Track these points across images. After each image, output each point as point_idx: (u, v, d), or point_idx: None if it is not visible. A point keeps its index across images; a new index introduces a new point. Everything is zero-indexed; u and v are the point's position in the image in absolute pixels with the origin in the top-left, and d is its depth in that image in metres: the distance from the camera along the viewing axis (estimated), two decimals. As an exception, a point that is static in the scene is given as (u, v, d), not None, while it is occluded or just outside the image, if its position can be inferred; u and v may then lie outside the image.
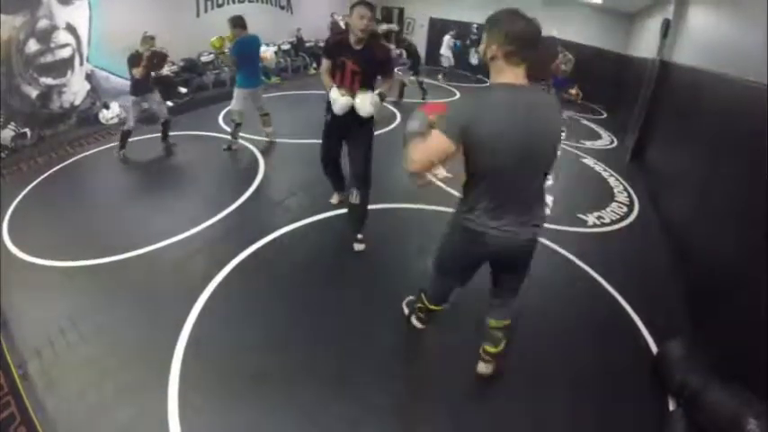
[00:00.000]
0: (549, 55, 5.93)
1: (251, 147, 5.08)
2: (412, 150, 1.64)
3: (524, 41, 1.49)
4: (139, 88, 4.53)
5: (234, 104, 4.67)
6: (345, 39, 2.74)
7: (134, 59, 4.35)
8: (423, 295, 2.27)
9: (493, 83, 1.58)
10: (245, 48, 4.43)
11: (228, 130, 5.11)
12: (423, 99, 7.70)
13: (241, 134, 4.96)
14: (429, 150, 1.60)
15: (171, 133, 5.01)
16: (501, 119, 1.50)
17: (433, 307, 2.24)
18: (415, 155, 1.62)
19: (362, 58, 2.72)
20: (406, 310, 2.58)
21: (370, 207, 3.26)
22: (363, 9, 2.58)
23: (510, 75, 1.53)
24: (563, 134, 1.62)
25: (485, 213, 1.71)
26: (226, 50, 4.57)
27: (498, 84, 1.55)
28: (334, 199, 3.85)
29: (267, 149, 5.04)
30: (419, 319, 2.44)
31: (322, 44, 11.85)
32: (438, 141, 1.56)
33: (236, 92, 4.63)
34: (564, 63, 7.36)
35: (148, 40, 4.39)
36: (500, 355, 2.16)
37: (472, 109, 1.54)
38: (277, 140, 5.26)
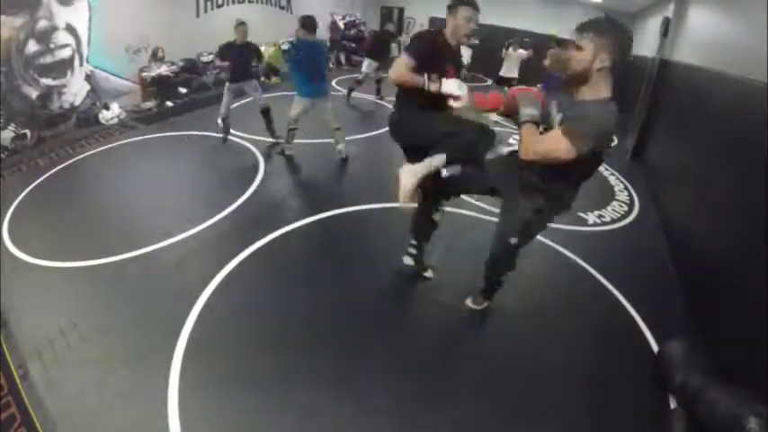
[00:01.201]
0: None
1: (251, 147, 5.08)
2: (535, 142, 1.70)
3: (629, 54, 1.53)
4: (236, 76, 4.70)
5: (291, 109, 4.60)
6: (444, 41, 2.30)
7: (225, 49, 4.64)
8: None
9: (605, 97, 1.60)
10: (299, 51, 4.32)
11: (230, 130, 5.11)
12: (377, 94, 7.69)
13: (240, 134, 4.97)
14: (548, 152, 1.66)
15: (171, 134, 5.01)
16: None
17: None
18: (539, 149, 1.68)
19: (458, 64, 2.45)
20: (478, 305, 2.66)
21: (368, 207, 3.24)
22: (471, 11, 2.25)
23: (608, 88, 1.58)
24: None
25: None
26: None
27: (610, 99, 1.58)
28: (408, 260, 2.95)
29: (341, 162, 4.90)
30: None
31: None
32: (563, 149, 1.60)
33: (295, 98, 4.58)
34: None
35: (241, 26, 4.62)
36: None
37: (610, 128, 1.59)
38: (276, 140, 5.26)
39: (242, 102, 6.78)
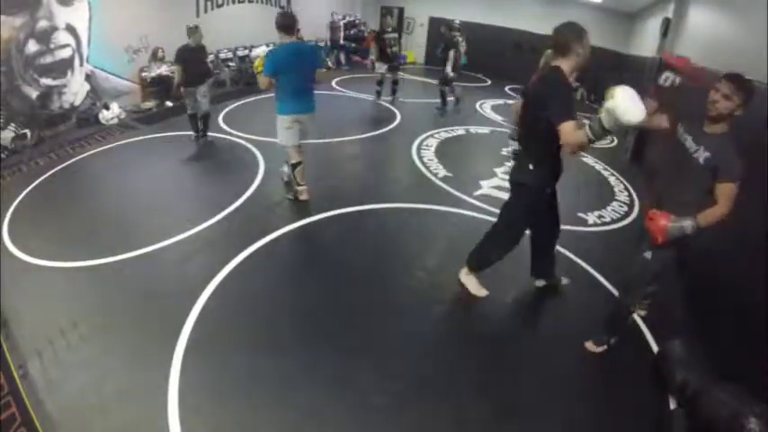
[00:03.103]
0: None
1: (251, 147, 5.08)
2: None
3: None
4: (192, 79, 4.78)
5: (278, 138, 3.70)
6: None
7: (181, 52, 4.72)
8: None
9: (730, 134, 1.89)
10: (279, 58, 3.38)
11: (229, 130, 5.11)
12: (393, 96, 7.64)
13: (240, 134, 4.97)
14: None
15: (171, 134, 5.01)
16: None
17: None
18: (724, 213, 1.96)
19: None
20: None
21: (368, 207, 3.24)
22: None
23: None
24: None
25: None
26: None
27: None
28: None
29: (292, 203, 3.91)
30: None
31: (322, 44, 11.71)
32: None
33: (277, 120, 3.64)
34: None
35: (194, 29, 4.73)
36: None
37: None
38: (276, 140, 5.26)
39: (242, 102, 6.80)
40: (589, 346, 2.43)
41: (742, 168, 1.85)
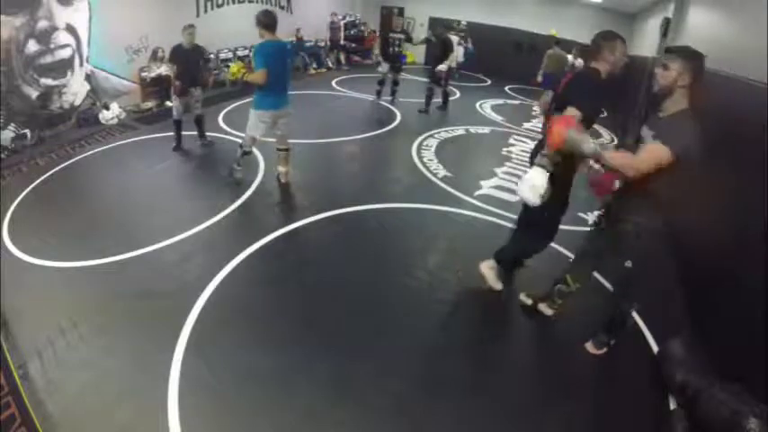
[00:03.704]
0: None
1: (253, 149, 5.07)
2: (626, 164, 1.87)
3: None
4: (184, 80, 4.66)
5: (248, 128, 3.88)
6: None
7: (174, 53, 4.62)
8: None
9: (686, 109, 1.87)
10: (268, 53, 3.51)
11: (229, 130, 5.11)
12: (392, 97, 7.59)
13: (240, 134, 4.94)
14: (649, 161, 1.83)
15: (171, 134, 5.00)
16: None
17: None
18: (635, 165, 1.85)
19: None
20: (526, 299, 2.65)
21: (369, 207, 3.25)
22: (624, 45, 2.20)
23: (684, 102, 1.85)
24: None
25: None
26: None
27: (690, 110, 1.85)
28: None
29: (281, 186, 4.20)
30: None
31: (322, 44, 11.72)
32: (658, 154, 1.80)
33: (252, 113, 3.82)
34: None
35: (188, 29, 4.54)
36: None
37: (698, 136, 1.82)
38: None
39: (241, 102, 6.80)
40: (589, 347, 2.43)
41: (682, 143, 1.78)
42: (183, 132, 4.94)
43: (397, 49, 7.21)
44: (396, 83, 7.43)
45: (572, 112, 2.02)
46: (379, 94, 7.57)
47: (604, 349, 2.41)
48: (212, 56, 7.58)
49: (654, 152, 1.81)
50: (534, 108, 8.12)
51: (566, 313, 2.77)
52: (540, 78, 7.91)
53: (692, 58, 1.86)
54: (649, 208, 2.03)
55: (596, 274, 3.15)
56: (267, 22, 3.51)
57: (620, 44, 2.20)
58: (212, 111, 6.37)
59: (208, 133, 5.22)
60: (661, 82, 1.88)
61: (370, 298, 2.75)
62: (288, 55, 3.74)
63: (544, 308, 2.63)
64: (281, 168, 4.20)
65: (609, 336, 2.39)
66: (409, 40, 7.36)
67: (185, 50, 4.55)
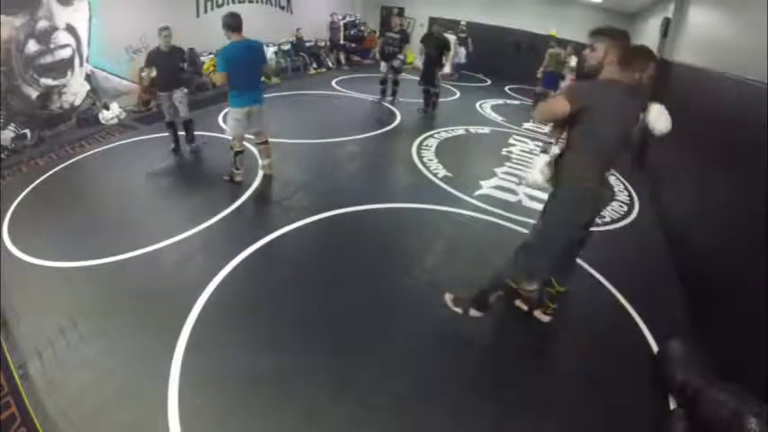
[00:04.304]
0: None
1: (251, 147, 5.07)
2: (540, 108, 2.10)
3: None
4: (163, 84, 4.60)
5: (227, 129, 4.04)
6: None
7: (152, 55, 4.54)
8: (509, 281, 2.39)
9: (612, 79, 1.98)
10: (229, 55, 3.60)
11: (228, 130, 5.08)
12: (393, 97, 7.53)
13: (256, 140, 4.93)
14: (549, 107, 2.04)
15: (168, 134, 4.99)
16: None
17: (525, 289, 2.45)
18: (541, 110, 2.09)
19: None
20: (458, 309, 2.55)
21: (369, 207, 3.25)
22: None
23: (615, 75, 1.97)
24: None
25: (596, 179, 2.08)
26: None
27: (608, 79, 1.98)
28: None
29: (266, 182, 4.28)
30: (486, 307, 2.50)
31: (322, 44, 11.69)
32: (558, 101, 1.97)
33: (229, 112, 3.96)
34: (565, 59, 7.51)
35: (163, 31, 4.47)
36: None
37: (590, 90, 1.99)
38: (277, 141, 5.25)
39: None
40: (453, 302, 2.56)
41: (575, 90, 2.02)
42: (180, 132, 4.91)
43: (394, 49, 7.12)
44: (395, 83, 7.40)
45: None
46: (383, 93, 7.54)
47: (460, 310, 2.53)
48: (211, 55, 7.56)
49: (551, 100, 2.08)
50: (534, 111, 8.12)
51: (564, 313, 2.78)
52: (539, 75, 7.94)
53: (616, 36, 1.99)
54: (568, 176, 2.14)
55: (595, 273, 3.16)
56: (231, 23, 3.61)
57: (651, 65, 2.41)
58: (213, 110, 6.38)
59: (206, 133, 5.21)
60: (590, 62, 2.03)
61: (370, 298, 2.75)
62: (256, 53, 3.79)
63: (540, 315, 2.62)
64: (264, 161, 4.33)
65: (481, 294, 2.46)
66: (406, 39, 7.27)
67: (163, 53, 4.45)
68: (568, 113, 1.93)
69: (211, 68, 3.93)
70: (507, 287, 2.48)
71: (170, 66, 4.46)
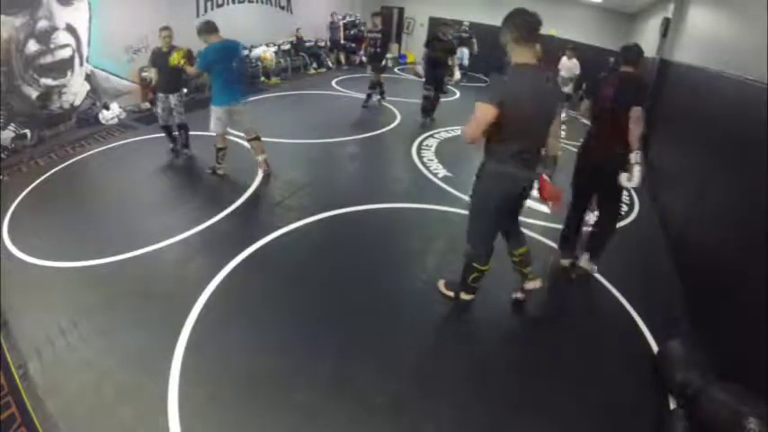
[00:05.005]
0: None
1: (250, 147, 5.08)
2: (467, 129, 2.12)
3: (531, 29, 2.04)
4: (163, 85, 4.64)
5: (210, 127, 4.16)
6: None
7: (153, 56, 4.62)
8: (474, 264, 2.51)
9: (513, 64, 2.09)
10: (209, 56, 3.82)
11: (228, 130, 5.08)
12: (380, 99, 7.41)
13: (239, 134, 4.94)
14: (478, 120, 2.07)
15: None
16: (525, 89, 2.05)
17: (484, 268, 2.53)
18: (471, 129, 2.10)
19: None
20: (450, 293, 2.75)
21: (371, 206, 3.25)
22: None
23: (525, 56, 2.07)
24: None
25: (515, 161, 2.18)
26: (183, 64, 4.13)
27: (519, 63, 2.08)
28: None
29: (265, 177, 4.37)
30: (471, 290, 2.66)
31: (322, 44, 11.60)
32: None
33: (211, 110, 4.10)
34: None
35: (163, 32, 4.49)
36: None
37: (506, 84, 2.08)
38: (277, 141, 5.26)
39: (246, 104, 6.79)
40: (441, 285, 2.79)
41: (492, 93, 2.05)
42: (190, 133, 4.90)
43: (377, 49, 6.93)
44: (379, 84, 7.16)
45: (638, 112, 2.55)
46: (380, 96, 7.33)
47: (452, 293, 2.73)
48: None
49: (475, 113, 2.07)
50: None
51: (564, 313, 2.78)
52: None
53: (509, 17, 2.08)
54: (487, 153, 2.29)
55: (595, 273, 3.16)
56: (207, 28, 3.87)
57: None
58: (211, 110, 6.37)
59: (205, 133, 5.20)
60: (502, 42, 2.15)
61: (370, 297, 2.75)
62: (235, 53, 3.99)
63: (531, 285, 2.72)
64: (258, 158, 4.41)
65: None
66: (388, 38, 7.13)
67: (164, 54, 4.41)
68: (497, 114, 2.01)
69: (182, 61, 4.11)
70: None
71: (169, 67, 4.41)
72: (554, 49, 7.95)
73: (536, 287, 2.71)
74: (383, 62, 7.09)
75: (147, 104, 6.54)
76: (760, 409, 1.74)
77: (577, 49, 7.77)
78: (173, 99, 4.61)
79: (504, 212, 2.39)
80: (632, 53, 2.79)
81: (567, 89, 7.64)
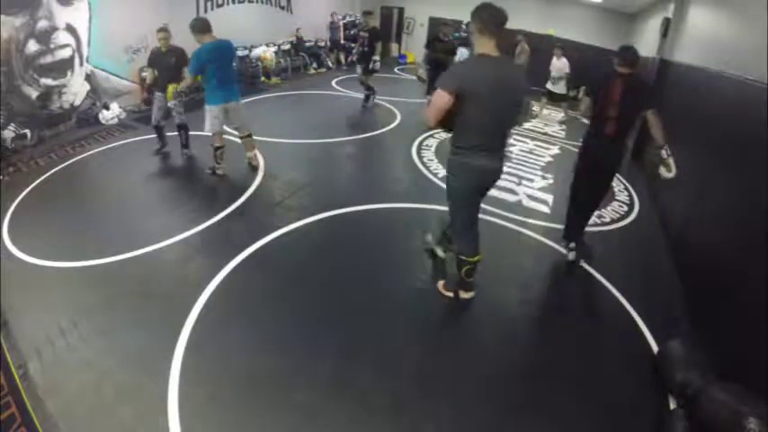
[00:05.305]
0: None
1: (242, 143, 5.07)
2: (425, 113, 2.22)
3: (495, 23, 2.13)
4: (163, 85, 4.58)
5: (206, 126, 4.15)
6: None
7: (152, 56, 4.58)
8: (462, 257, 2.56)
9: (477, 54, 2.18)
10: (202, 56, 3.83)
11: (228, 130, 5.08)
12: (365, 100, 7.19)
13: (234, 133, 4.94)
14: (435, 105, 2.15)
15: (170, 134, 4.99)
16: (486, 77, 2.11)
17: (474, 259, 2.55)
18: (428, 113, 2.18)
19: None
20: (449, 293, 2.77)
21: (371, 206, 3.25)
22: None
23: (488, 47, 2.15)
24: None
25: (478, 151, 2.25)
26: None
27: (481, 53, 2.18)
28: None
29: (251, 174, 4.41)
30: (468, 286, 2.69)
31: (322, 44, 11.56)
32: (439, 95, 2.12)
33: (206, 109, 4.11)
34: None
35: (160, 32, 4.44)
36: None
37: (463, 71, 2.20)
38: (277, 141, 5.26)
39: (241, 102, 6.79)
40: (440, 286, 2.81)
41: (445, 80, 2.13)
42: (172, 133, 4.84)
43: (365, 48, 6.77)
44: (364, 84, 7.03)
45: (655, 112, 2.75)
46: (366, 99, 7.18)
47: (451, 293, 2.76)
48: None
49: (432, 99, 2.16)
50: (534, 108, 8.12)
51: (564, 313, 2.78)
52: None
53: (476, 10, 2.15)
54: (453, 144, 2.35)
55: (596, 273, 3.17)
56: (202, 27, 3.86)
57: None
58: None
59: (202, 133, 5.18)
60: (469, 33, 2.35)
61: (370, 297, 2.75)
62: (229, 53, 4.07)
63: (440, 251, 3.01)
64: (249, 154, 4.50)
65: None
66: (377, 38, 6.79)
67: (161, 53, 4.41)
68: (454, 102, 2.09)
69: (176, 87, 4.22)
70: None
71: (167, 66, 4.43)
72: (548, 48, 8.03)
73: (468, 297, 2.74)
74: (370, 63, 6.78)
75: (143, 104, 6.52)
76: (760, 409, 1.74)
77: (567, 48, 7.89)
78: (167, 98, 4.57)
79: (476, 200, 2.49)
80: (630, 54, 2.85)
81: (558, 88, 7.70)
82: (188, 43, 6.63)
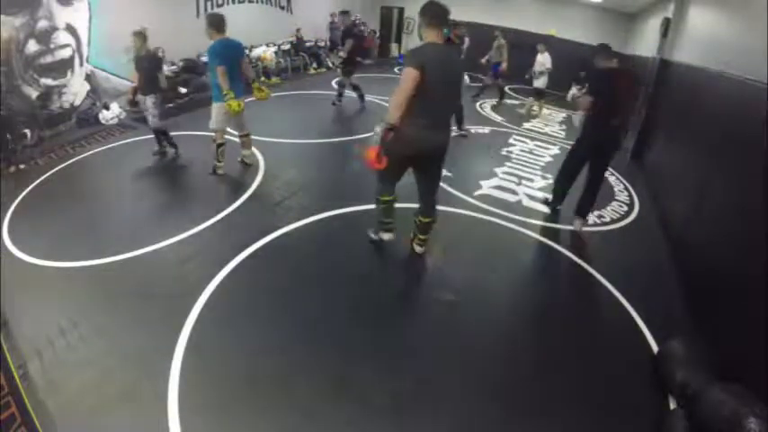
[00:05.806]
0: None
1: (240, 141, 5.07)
2: (393, 98, 2.50)
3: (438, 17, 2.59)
4: (143, 88, 4.58)
5: (212, 122, 4.20)
6: None
7: (135, 59, 4.52)
8: (379, 197, 2.98)
9: (428, 42, 2.57)
10: (220, 51, 3.87)
11: (228, 130, 5.08)
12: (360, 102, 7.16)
13: (234, 132, 4.95)
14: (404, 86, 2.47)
15: (170, 134, 4.99)
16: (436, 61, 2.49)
17: (389, 198, 2.99)
18: (396, 97, 2.48)
19: None
20: (374, 236, 3.21)
21: (371, 206, 3.26)
22: None
23: (432, 36, 2.57)
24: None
25: (423, 126, 2.60)
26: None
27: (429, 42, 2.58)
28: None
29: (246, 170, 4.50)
30: (387, 230, 3.13)
31: (322, 44, 11.49)
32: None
33: (213, 107, 4.16)
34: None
35: (136, 36, 4.43)
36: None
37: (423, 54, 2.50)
38: (277, 141, 5.26)
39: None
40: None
41: (411, 59, 2.46)
42: (181, 132, 4.88)
43: (341, 51, 6.68)
44: (341, 85, 6.98)
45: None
46: (361, 98, 7.10)
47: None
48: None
49: (401, 79, 2.47)
50: (534, 108, 8.11)
51: (564, 314, 2.77)
52: (484, 61, 8.25)
53: (422, 7, 2.59)
54: (403, 117, 2.54)
55: (596, 273, 3.17)
56: (216, 23, 3.90)
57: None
58: (192, 119, 6.36)
59: (205, 133, 5.19)
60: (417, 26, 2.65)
61: (369, 298, 2.75)
62: (240, 52, 4.11)
63: (417, 249, 3.14)
64: (245, 152, 4.57)
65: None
66: (348, 35, 6.67)
67: (139, 58, 4.42)
68: (420, 78, 2.41)
69: (241, 104, 4.07)
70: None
71: (144, 69, 4.42)
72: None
73: (418, 251, 3.13)
74: (349, 64, 6.72)
75: (128, 105, 6.46)
76: (760, 409, 1.74)
77: (566, 48, 7.89)
78: (149, 101, 4.57)
79: (411, 168, 2.89)
80: (611, 48, 3.50)
81: (540, 83, 7.78)
82: (188, 43, 6.67)
